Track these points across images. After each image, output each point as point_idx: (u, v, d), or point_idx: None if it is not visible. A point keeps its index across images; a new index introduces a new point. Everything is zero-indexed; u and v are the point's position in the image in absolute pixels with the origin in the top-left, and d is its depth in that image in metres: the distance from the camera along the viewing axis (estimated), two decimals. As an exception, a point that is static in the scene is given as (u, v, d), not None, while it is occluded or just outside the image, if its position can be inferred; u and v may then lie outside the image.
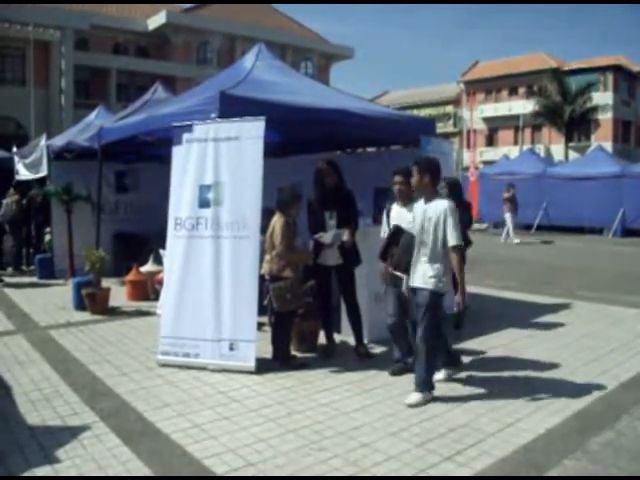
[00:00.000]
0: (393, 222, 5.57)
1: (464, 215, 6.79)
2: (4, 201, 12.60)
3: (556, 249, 17.95)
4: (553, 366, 6.00)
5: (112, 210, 11.89)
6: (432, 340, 4.96)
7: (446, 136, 36.82)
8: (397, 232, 5.34)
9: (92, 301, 8.38)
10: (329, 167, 6.22)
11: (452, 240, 4.85)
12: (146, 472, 3.78)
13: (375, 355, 6.35)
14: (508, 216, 20.03)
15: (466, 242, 7.00)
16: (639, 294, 10.03)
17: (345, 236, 6.11)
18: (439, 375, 5.38)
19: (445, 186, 6.85)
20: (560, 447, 4.16)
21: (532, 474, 3.80)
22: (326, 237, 6.14)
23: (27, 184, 13.03)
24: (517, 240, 19.72)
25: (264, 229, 5.93)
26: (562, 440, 4.28)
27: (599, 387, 5.36)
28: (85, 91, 37.56)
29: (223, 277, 5.78)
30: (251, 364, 5.65)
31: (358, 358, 6.19)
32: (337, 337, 6.64)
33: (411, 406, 4.84)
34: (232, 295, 5.74)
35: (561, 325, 7.81)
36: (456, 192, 6.88)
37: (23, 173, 12.72)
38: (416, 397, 4.92)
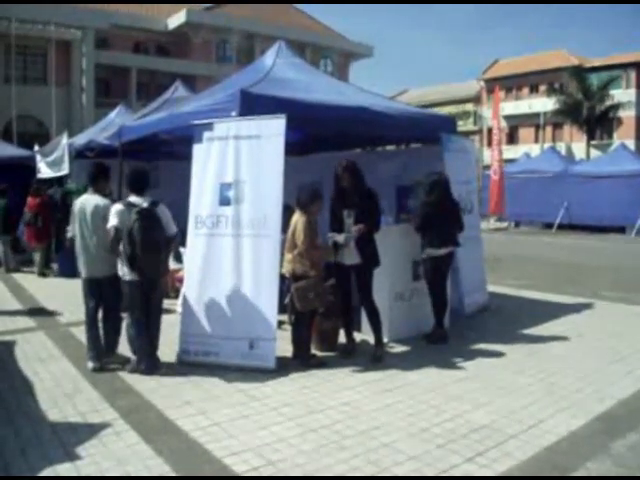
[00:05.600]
0: None
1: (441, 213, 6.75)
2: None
3: (578, 248, 17.74)
4: (576, 367, 5.92)
5: (132, 208, 11.84)
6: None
7: (466, 134, 36.58)
8: None
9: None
10: (344, 172, 6.18)
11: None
12: (166, 470, 3.78)
13: (384, 359, 6.17)
14: None
15: (456, 243, 6.92)
16: (663, 294, 9.86)
17: (355, 230, 6.03)
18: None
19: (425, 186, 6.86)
20: (583, 449, 4.10)
21: (555, 476, 3.75)
22: (339, 237, 6.10)
23: (47, 182, 13.13)
24: None
25: (284, 226, 5.91)
26: (585, 442, 4.22)
27: (623, 389, 5.27)
28: (105, 90, 37.90)
29: (243, 275, 5.78)
30: (271, 363, 5.64)
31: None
32: (357, 336, 6.62)
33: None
34: (252, 293, 5.73)
35: (584, 325, 7.71)
36: (436, 191, 6.80)
37: (45, 171, 12.83)
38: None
